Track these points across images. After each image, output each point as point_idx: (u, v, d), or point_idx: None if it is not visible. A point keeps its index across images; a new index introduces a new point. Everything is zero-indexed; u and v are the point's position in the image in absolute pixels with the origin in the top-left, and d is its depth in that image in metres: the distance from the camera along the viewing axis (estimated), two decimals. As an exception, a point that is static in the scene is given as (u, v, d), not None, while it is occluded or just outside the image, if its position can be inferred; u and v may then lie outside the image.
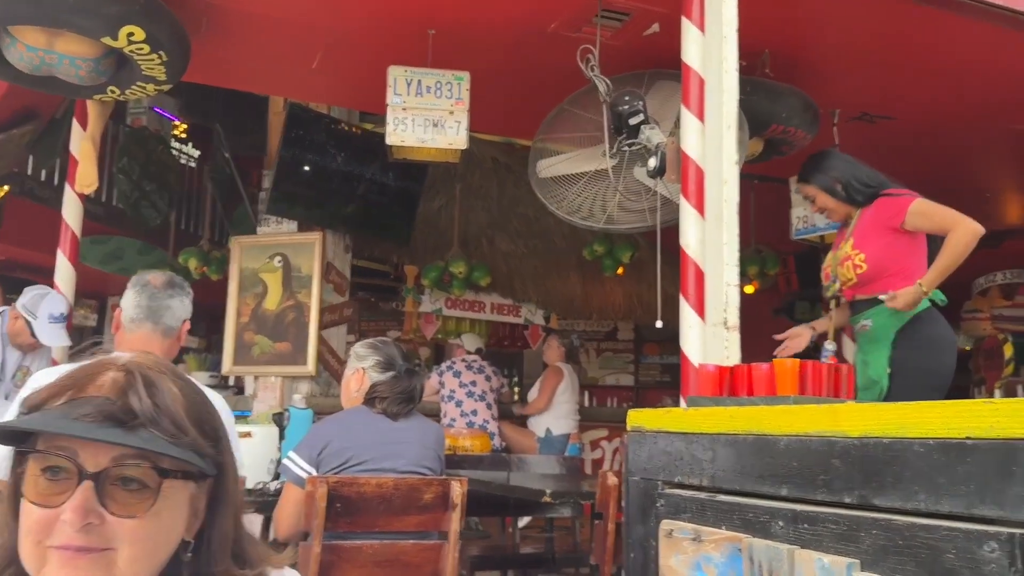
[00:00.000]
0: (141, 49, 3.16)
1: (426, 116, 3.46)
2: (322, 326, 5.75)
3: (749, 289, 6.65)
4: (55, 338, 3.63)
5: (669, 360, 9.09)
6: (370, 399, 2.53)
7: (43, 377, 2.10)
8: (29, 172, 7.00)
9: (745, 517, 1.28)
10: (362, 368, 2.59)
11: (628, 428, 1.62)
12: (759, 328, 8.47)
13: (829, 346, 3.15)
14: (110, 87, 3.49)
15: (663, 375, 9.27)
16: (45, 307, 3.58)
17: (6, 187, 6.34)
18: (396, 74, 3.52)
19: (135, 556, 0.80)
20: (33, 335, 3.59)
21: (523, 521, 5.25)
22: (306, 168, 5.70)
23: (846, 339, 4.05)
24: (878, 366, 2.95)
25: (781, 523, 1.21)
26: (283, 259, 5.84)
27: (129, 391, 0.83)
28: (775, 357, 1.86)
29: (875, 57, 3.79)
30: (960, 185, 5.37)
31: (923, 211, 2.93)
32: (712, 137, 2.68)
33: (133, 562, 0.80)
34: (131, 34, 3.08)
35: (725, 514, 1.33)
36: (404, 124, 3.46)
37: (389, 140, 3.49)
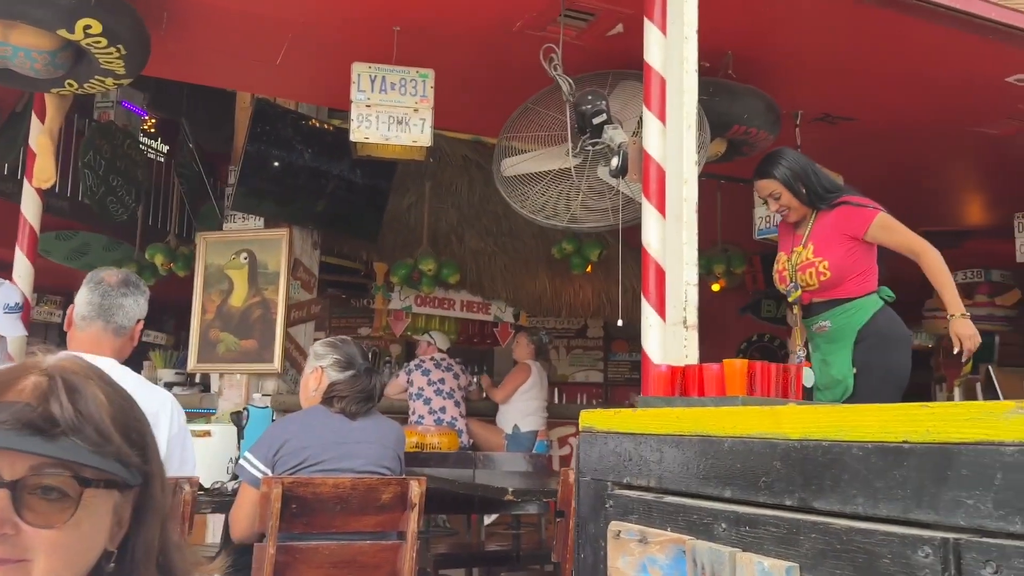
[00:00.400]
0: (99, 42, 3.11)
1: (390, 113, 3.44)
2: (289, 323, 5.71)
3: (716, 287, 6.70)
4: (10, 328, 3.56)
5: (638, 357, 9.12)
6: (328, 398, 2.50)
7: None
8: (-10, 165, 6.87)
9: (690, 519, 1.28)
10: (321, 367, 2.57)
11: (580, 428, 1.62)
12: (726, 325, 8.54)
13: (800, 352, 3.17)
14: (68, 80, 3.43)
15: (632, 372, 9.31)
16: None
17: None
18: (360, 71, 3.50)
19: (52, 568, 0.77)
20: None
21: (489, 518, 5.26)
22: (274, 164, 5.65)
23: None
24: (842, 366, 2.99)
25: (724, 525, 1.22)
26: (249, 255, 5.79)
27: (50, 397, 0.80)
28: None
29: (837, 59, 3.83)
30: (921, 186, 5.45)
31: (887, 226, 2.99)
32: (673, 137, 2.68)
33: (50, 574, 0.77)
34: (88, 27, 3.03)
35: (671, 515, 1.33)
36: (368, 121, 3.44)
37: (353, 137, 3.47)
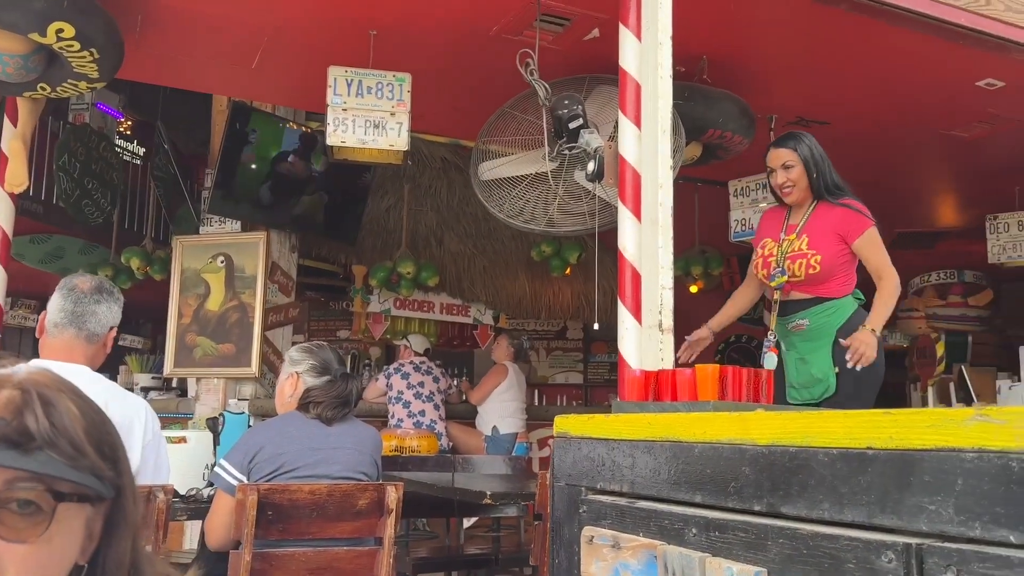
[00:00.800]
0: (71, 46, 3.08)
1: (367, 117, 3.44)
2: (267, 327, 5.68)
3: (694, 288, 6.74)
4: None
5: (617, 359, 9.15)
6: (304, 404, 2.49)
7: None
8: (-40, 169, 6.78)
9: (661, 524, 1.30)
10: (296, 372, 2.56)
11: (554, 434, 1.63)
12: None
13: (772, 336, 3.17)
14: (40, 84, 3.39)
15: (611, 373, 9.35)
16: None
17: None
18: (336, 74, 3.49)
19: None
20: None
21: (469, 522, 5.26)
22: (251, 167, 5.62)
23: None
24: (822, 364, 3.01)
25: (694, 530, 1.23)
26: (226, 259, 5.75)
27: (25, 411, 0.79)
28: (692, 363, 1.91)
29: (810, 64, 3.87)
30: (895, 188, 5.52)
31: (873, 241, 3.03)
32: (648, 142, 2.70)
33: None
34: (60, 30, 3.00)
35: (643, 521, 1.34)
36: (345, 125, 3.43)
37: (329, 141, 3.46)
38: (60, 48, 3.09)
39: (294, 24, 3.67)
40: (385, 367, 6.48)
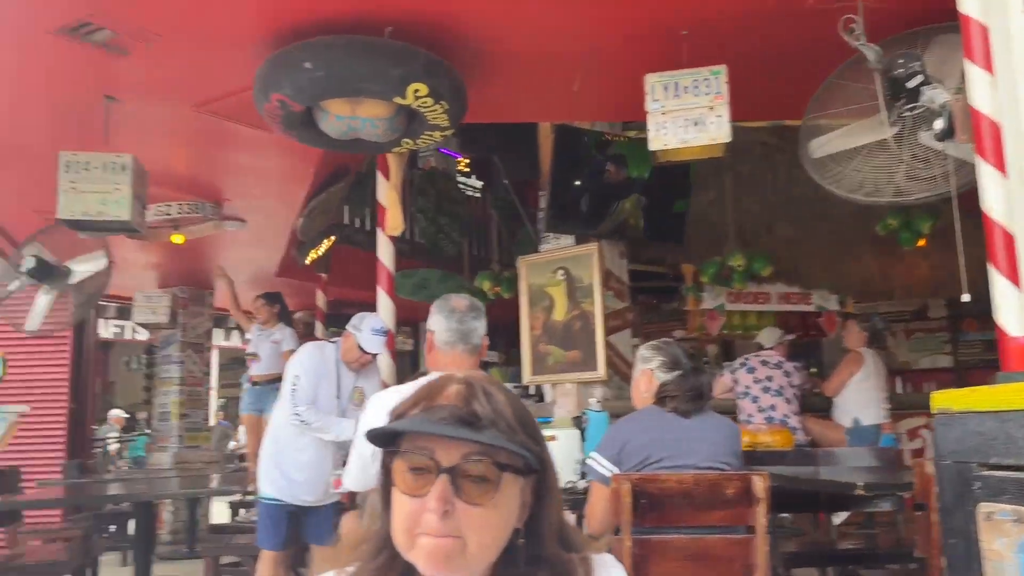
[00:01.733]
0: (426, 102, 3.55)
1: (686, 116, 3.50)
2: (607, 332, 5.97)
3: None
4: (377, 346, 4.14)
5: (993, 335, 8.08)
6: (660, 398, 2.62)
7: (388, 396, 2.49)
8: (346, 221, 8.07)
9: (1076, 497, 1.19)
10: (649, 369, 2.70)
11: (932, 411, 1.55)
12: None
13: None
14: (404, 140, 3.95)
15: (987, 352, 8.29)
16: (368, 322, 4.13)
17: (332, 237, 7.35)
18: (652, 81, 3.60)
19: (482, 541, 0.96)
20: (360, 348, 4.12)
21: (839, 517, 5.02)
22: (577, 183, 5.98)
23: None
24: None
25: (1120, 502, 1.12)
26: (565, 272, 6.16)
27: (472, 399, 1.00)
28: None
29: None
30: None
31: None
32: (1005, 87, 2.42)
33: (481, 547, 0.96)
34: (417, 90, 3.48)
35: (1052, 495, 1.24)
36: (665, 128, 3.52)
37: (652, 146, 3.57)
38: (418, 106, 3.58)
39: (607, 43, 3.85)
40: (730, 363, 6.44)
